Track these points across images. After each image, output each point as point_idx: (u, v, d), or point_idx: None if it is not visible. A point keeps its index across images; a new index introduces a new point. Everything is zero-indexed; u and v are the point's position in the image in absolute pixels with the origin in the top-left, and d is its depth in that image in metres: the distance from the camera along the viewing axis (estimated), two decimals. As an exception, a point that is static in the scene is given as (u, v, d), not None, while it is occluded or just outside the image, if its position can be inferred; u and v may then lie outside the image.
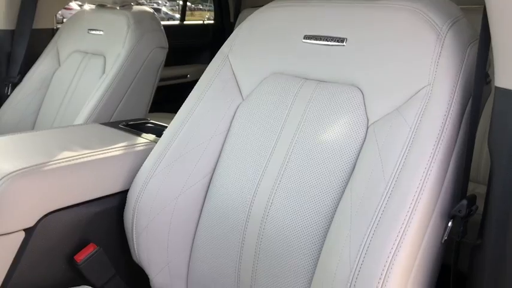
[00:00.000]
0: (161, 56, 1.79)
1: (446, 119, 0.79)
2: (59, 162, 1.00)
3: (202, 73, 1.12)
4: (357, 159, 0.85)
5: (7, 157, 1.01)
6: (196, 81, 1.13)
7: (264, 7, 1.11)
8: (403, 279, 0.72)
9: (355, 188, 0.81)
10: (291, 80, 0.99)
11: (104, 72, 1.71)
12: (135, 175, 1.05)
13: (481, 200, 0.80)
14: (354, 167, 0.85)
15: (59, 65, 1.90)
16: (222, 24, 3.05)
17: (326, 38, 0.96)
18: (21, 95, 1.89)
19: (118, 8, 1.90)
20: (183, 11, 3.07)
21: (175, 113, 1.10)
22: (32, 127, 1.86)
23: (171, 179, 1.01)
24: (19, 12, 1.96)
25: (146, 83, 1.76)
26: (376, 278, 0.70)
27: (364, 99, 0.88)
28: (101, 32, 1.83)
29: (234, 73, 1.08)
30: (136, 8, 1.88)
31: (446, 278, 0.86)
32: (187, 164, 1.02)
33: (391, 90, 0.85)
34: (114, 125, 1.35)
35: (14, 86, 1.94)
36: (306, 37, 0.99)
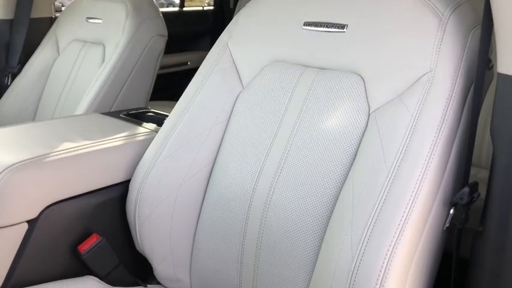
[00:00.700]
0: (161, 44, 1.78)
1: (448, 105, 0.78)
2: (61, 154, 1.00)
3: (203, 60, 1.11)
4: (358, 147, 0.85)
5: (8, 149, 1.01)
6: (196, 68, 1.12)
7: (263, -7, 1.09)
8: (405, 267, 0.72)
9: (356, 176, 0.81)
10: (292, 67, 0.98)
11: (103, 61, 1.70)
12: (137, 165, 1.05)
13: (483, 185, 0.80)
14: (355, 156, 0.85)
15: (58, 54, 1.89)
16: (222, 10, 3.02)
17: (326, 25, 0.95)
18: (21, 85, 1.88)
19: (116, -5, 1.88)
20: (182, -3, 3.04)
21: (176, 100, 1.09)
22: (33, 117, 1.86)
23: (173, 169, 1.01)
24: (17, 2, 1.95)
25: (146, 72, 1.75)
26: (377, 267, 0.71)
27: (365, 86, 0.88)
28: (100, 21, 1.81)
29: (234, 61, 1.07)
30: None
31: (448, 265, 0.87)
32: (189, 153, 1.02)
33: (393, 76, 0.84)
34: (114, 114, 1.35)
35: (14, 76, 1.93)
36: (306, 24, 0.98)
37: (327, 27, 0.95)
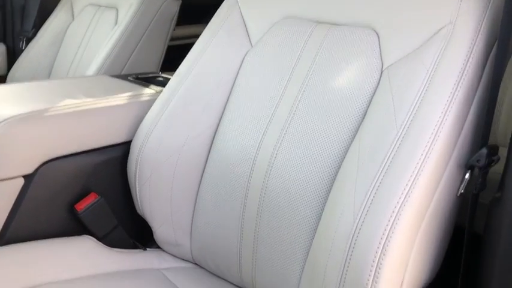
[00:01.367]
0: (174, 7, 1.73)
1: (467, 62, 0.72)
2: (61, 109, 0.97)
3: None
4: (368, 106, 0.79)
5: (9, 103, 0.99)
6: None
7: None
8: (410, 234, 0.67)
9: (364, 136, 0.75)
10: (303, 24, 0.92)
11: (116, 24, 1.67)
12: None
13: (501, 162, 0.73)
14: (364, 115, 0.79)
15: (73, 19, 1.87)
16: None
17: None
18: (36, 49, 1.88)
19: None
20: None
21: None
22: (47, 81, 1.85)
23: (175, 129, 0.97)
24: (33, -35, 1.93)
25: (159, 36, 1.71)
26: (379, 231, 0.65)
27: (379, 41, 0.81)
28: None
29: (243, 18, 1.02)
30: None
31: (460, 239, 0.80)
32: (192, 114, 0.97)
33: (410, 29, 0.78)
34: (123, 77, 1.31)
35: (29, 40, 1.93)
36: (320, -23, 0.92)
37: (340, -21, 0.89)
